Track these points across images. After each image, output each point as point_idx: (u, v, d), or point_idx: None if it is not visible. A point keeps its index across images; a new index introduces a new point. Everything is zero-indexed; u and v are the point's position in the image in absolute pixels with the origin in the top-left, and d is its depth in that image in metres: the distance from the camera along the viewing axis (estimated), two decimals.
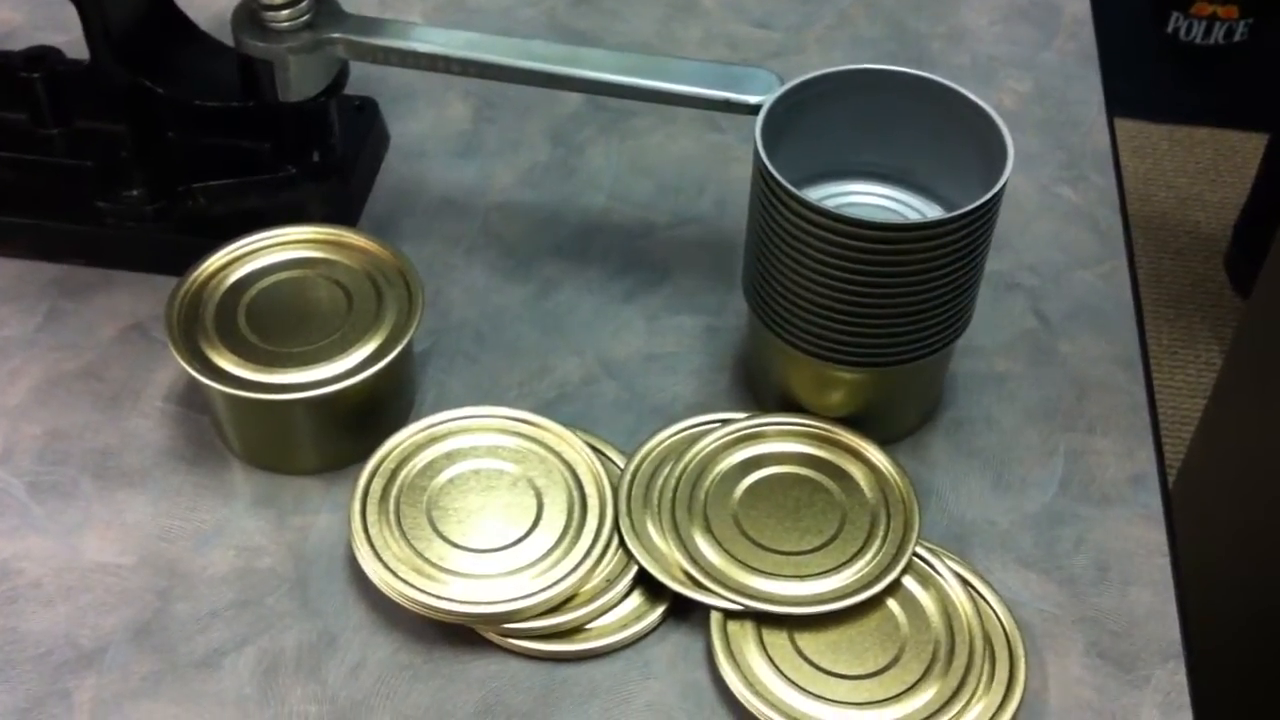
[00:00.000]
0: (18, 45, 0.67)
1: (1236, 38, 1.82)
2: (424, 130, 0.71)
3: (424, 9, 0.79)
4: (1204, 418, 1.13)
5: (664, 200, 0.68)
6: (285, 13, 0.59)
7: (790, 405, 0.57)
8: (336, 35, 0.60)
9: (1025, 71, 0.76)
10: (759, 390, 0.59)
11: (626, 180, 0.69)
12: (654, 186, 0.69)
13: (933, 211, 0.57)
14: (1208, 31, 1.82)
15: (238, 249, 0.57)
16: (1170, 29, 1.83)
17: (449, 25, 0.78)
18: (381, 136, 0.69)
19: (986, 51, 0.77)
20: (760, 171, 0.52)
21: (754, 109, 0.56)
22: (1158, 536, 0.55)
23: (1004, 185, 0.51)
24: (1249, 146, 1.74)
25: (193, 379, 0.53)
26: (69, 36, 0.64)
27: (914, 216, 0.56)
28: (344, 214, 0.65)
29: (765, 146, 0.52)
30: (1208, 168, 1.79)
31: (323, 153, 0.64)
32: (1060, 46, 0.78)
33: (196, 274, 0.56)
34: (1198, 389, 1.49)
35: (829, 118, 0.56)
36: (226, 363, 0.54)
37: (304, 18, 0.59)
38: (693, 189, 0.69)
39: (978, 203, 0.50)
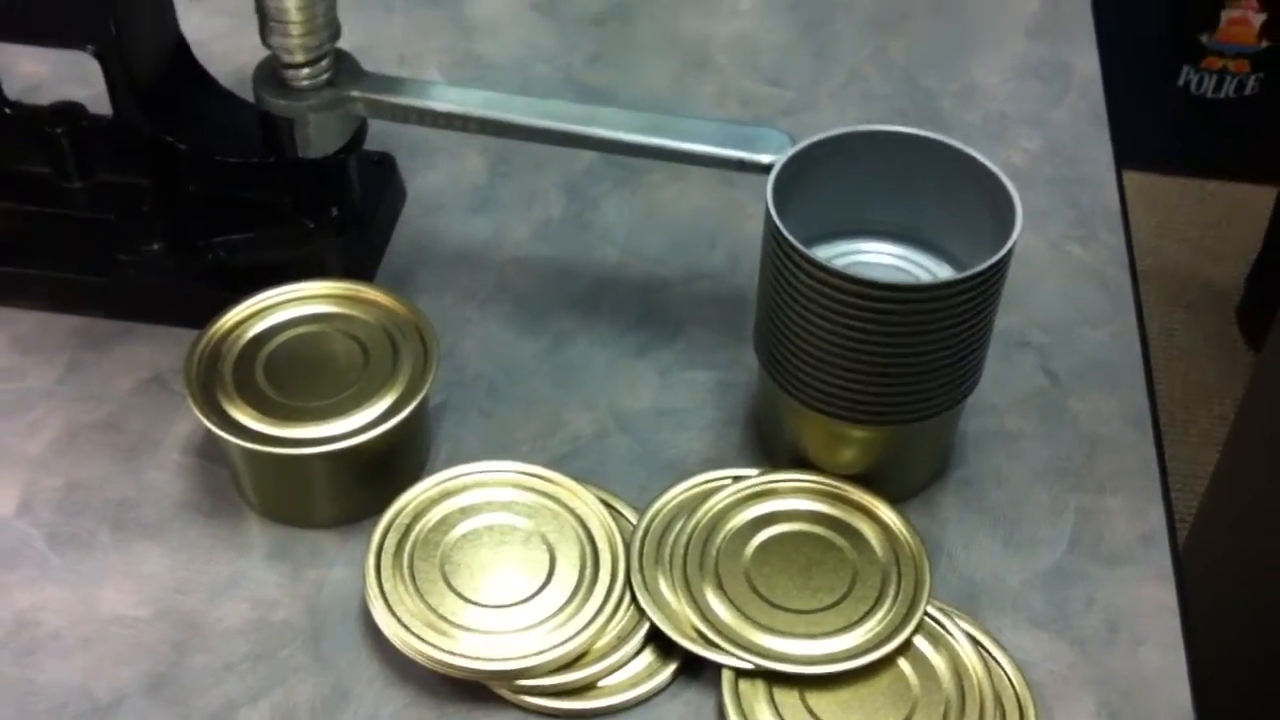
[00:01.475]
0: (43, 98, 0.68)
1: (1248, 91, 1.83)
2: (440, 184, 0.72)
3: (440, 64, 0.80)
4: (1216, 471, 1.13)
5: (676, 255, 0.69)
6: (306, 71, 0.60)
7: (801, 461, 0.57)
8: (356, 93, 0.61)
9: (1036, 129, 0.77)
10: (770, 446, 0.59)
11: (639, 234, 0.70)
12: (667, 241, 0.70)
13: (943, 270, 0.57)
14: (1219, 85, 1.83)
15: (256, 303, 0.58)
16: (1181, 82, 1.84)
17: (466, 81, 0.80)
18: (399, 191, 0.70)
19: (997, 109, 0.78)
20: (771, 231, 0.53)
21: (766, 169, 0.57)
22: (1168, 596, 0.55)
23: (1012, 247, 0.51)
24: (1260, 199, 1.75)
25: (210, 431, 0.54)
26: (91, 90, 0.65)
27: (924, 275, 0.57)
28: (362, 268, 0.66)
29: (776, 205, 0.53)
30: (1219, 220, 1.79)
31: (341, 207, 0.65)
32: (1071, 104, 0.78)
33: (216, 328, 0.57)
34: (1210, 440, 1.49)
35: (840, 176, 0.57)
36: (244, 416, 0.54)
37: (324, 76, 0.60)
38: (705, 244, 0.70)
39: (986, 265, 0.50)
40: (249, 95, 0.64)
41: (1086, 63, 0.81)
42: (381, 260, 0.68)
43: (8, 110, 0.64)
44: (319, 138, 0.62)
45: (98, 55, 0.61)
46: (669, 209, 0.71)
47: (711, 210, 0.71)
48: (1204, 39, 1.79)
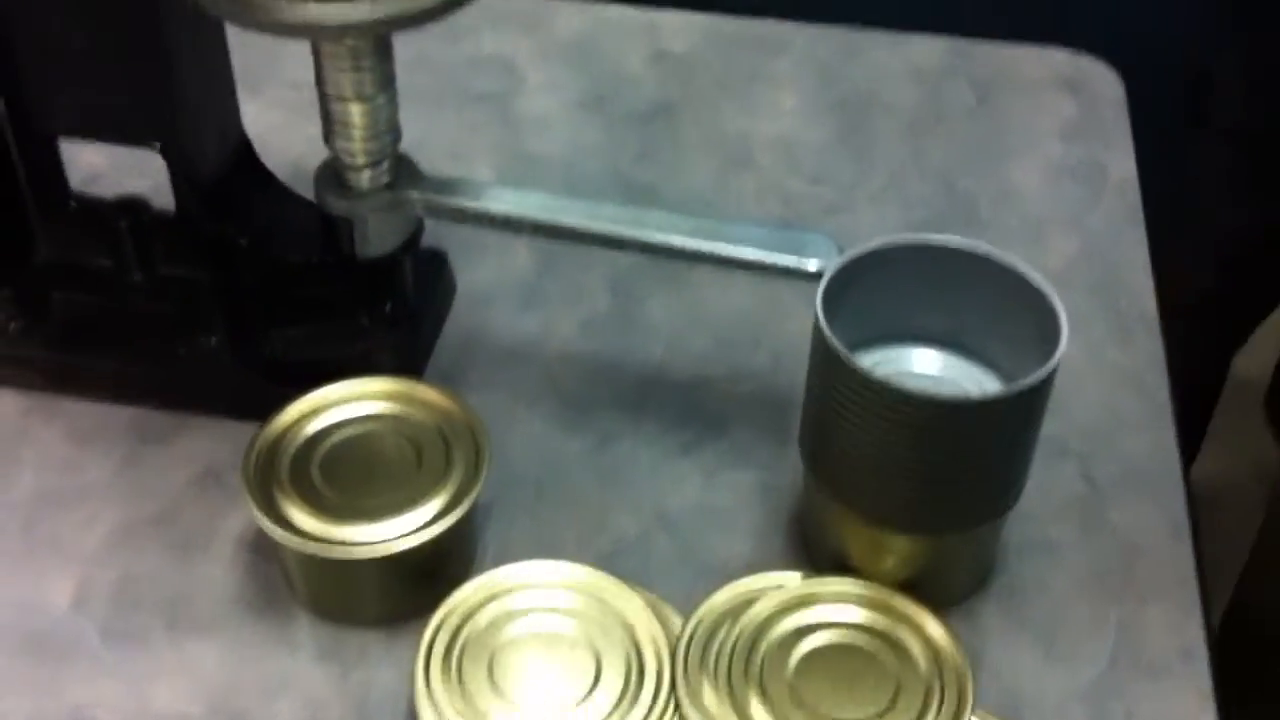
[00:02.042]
0: (102, 189, 0.69)
1: None
2: (489, 279, 0.74)
3: (491, 160, 0.82)
4: (1249, 561, 1.13)
5: (720, 354, 0.70)
6: (367, 174, 0.61)
7: (844, 566, 0.58)
8: (415, 195, 0.62)
9: (1073, 232, 0.78)
10: (814, 550, 0.60)
11: (683, 333, 0.71)
12: (710, 340, 0.71)
13: (989, 379, 0.58)
14: None
15: (314, 401, 0.59)
16: None
17: (516, 178, 0.82)
18: (449, 286, 0.72)
19: (1034, 212, 0.79)
20: (820, 340, 0.54)
21: (814, 277, 0.58)
22: (1208, 713, 0.55)
23: (1058, 363, 0.52)
24: None
25: (264, 530, 0.55)
26: (150, 181, 0.66)
27: (970, 385, 0.58)
28: (413, 363, 0.67)
29: (825, 313, 0.54)
30: None
31: (395, 303, 0.66)
32: (1108, 206, 0.80)
33: (273, 425, 0.58)
34: (1248, 526, 1.48)
35: (886, 283, 0.58)
36: (298, 514, 0.55)
37: (384, 178, 0.62)
38: (748, 343, 0.71)
39: (1031, 382, 0.51)
40: (305, 188, 0.66)
41: (1123, 165, 0.83)
42: (432, 355, 0.69)
43: (73, 203, 0.66)
44: (378, 238, 0.63)
45: (163, 153, 0.62)
46: (712, 307, 0.73)
47: (754, 309, 0.73)
48: None
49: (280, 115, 0.81)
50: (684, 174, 0.82)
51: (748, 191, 0.80)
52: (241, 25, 0.53)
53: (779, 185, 0.81)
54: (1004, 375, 0.58)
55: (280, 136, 0.77)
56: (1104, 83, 0.89)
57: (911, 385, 0.52)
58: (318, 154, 0.75)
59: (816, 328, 0.54)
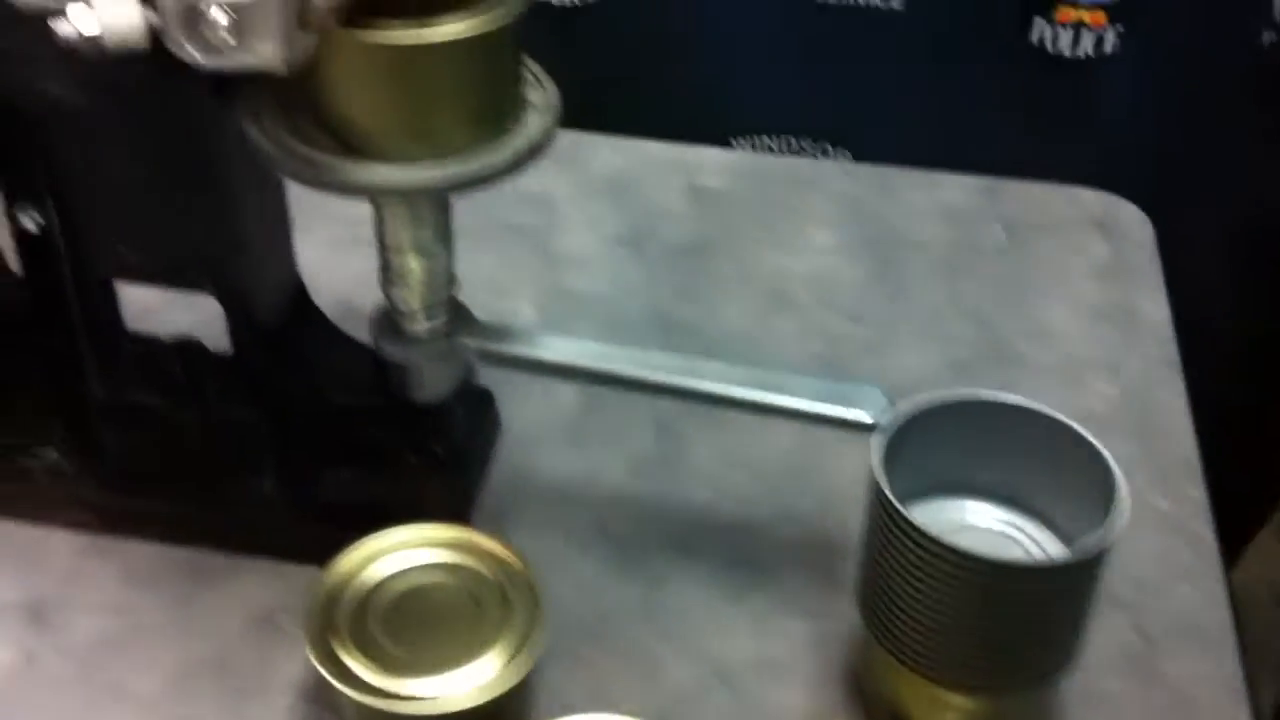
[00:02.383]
0: (153, 325, 0.70)
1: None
2: (534, 417, 0.74)
3: (531, 294, 0.83)
4: None
5: (766, 496, 0.71)
6: (423, 322, 0.62)
7: None
8: (469, 342, 0.63)
9: (1111, 374, 0.79)
10: (870, 704, 0.60)
11: (728, 474, 0.72)
12: (755, 482, 0.71)
13: (1045, 534, 0.59)
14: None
15: (372, 549, 0.60)
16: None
17: (556, 311, 0.83)
18: (495, 424, 0.72)
19: (1072, 352, 0.80)
20: (878, 497, 0.54)
21: (868, 429, 0.58)
22: None
23: (1119, 530, 0.53)
24: None
25: (323, 679, 0.55)
26: (197, 316, 0.67)
27: (1026, 541, 0.58)
28: (462, 504, 0.68)
29: (883, 469, 0.55)
30: None
31: (444, 445, 0.67)
32: (1143, 350, 0.81)
33: (332, 574, 0.58)
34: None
35: (939, 437, 0.58)
36: (357, 665, 0.55)
37: (440, 326, 0.63)
38: (793, 486, 0.71)
39: (1096, 547, 0.52)
40: (352, 324, 0.67)
41: (1156, 308, 0.84)
42: (480, 495, 0.70)
43: (129, 344, 0.67)
44: (432, 383, 0.64)
45: (221, 298, 0.63)
46: (756, 448, 0.73)
47: (798, 450, 0.73)
48: None
49: (326, 251, 0.82)
50: (724, 311, 0.83)
51: (788, 330, 0.81)
52: (309, 186, 0.54)
53: (819, 324, 0.82)
54: (1059, 530, 0.58)
55: (327, 272, 0.77)
56: (1134, 224, 0.90)
57: (977, 548, 0.52)
58: (364, 290, 0.76)
59: (874, 486, 0.55)
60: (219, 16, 0.44)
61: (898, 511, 0.53)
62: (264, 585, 0.64)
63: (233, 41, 0.44)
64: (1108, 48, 1.54)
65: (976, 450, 0.59)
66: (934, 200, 0.92)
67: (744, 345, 0.80)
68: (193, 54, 0.45)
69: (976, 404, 0.57)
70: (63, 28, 0.44)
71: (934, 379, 0.78)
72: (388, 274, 0.61)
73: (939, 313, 0.83)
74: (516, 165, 0.54)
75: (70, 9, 0.44)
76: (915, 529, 0.53)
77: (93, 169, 0.60)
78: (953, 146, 1.80)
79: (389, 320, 0.63)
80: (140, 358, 0.67)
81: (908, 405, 0.57)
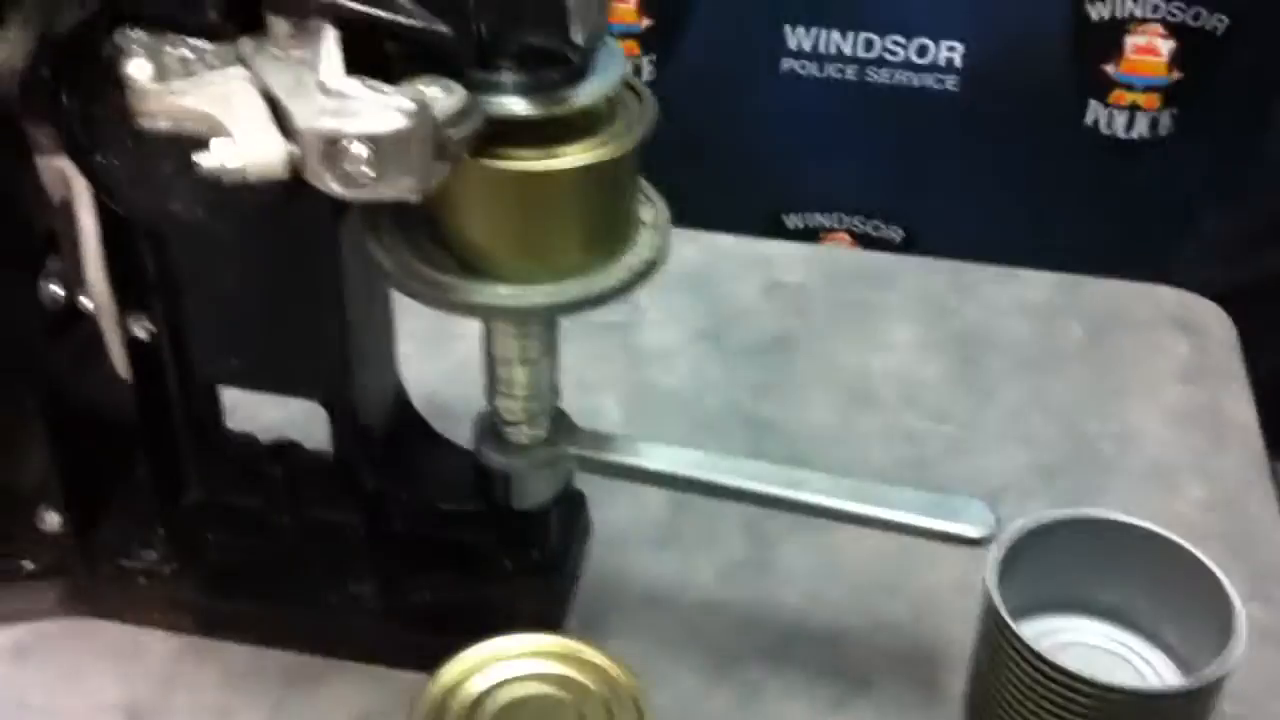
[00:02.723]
0: (240, 421, 0.71)
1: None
2: (624, 518, 0.74)
3: (615, 390, 0.83)
4: None
5: (859, 602, 0.70)
6: (526, 430, 0.63)
7: None
8: (572, 450, 0.64)
9: (1199, 478, 0.78)
10: None
11: (820, 580, 0.72)
12: (848, 588, 0.71)
13: (1155, 655, 0.58)
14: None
15: (478, 657, 0.59)
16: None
17: (639, 408, 0.83)
18: (586, 527, 0.73)
19: (1158, 456, 0.80)
20: (991, 615, 0.54)
21: (974, 543, 0.58)
22: None
23: (1236, 659, 0.52)
24: None
25: None
26: (286, 412, 0.68)
27: (1138, 661, 0.58)
28: (558, 611, 0.68)
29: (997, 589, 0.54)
30: None
31: (541, 550, 0.67)
32: (1231, 453, 0.80)
33: (437, 685, 0.58)
34: None
35: (1049, 554, 0.59)
36: None
37: (542, 434, 0.63)
38: (886, 592, 0.71)
39: (1214, 674, 0.51)
40: (439, 422, 0.67)
41: (1242, 410, 0.83)
42: (573, 601, 0.70)
43: (229, 445, 0.67)
44: (534, 491, 0.64)
45: (326, 405, 0.64)
46: (848, 552, 0.73)
47: (889, 553, 0.73)
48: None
49: (410, 347, 0.83)
50: (806, 409, 0.83)
51: (872, 429, 0.81)
52: (429, 305, 0.54)
53: (902, 423, 0.82)
54: (1171, 651, 0.58)
55: (413, 370, 0.78)
56: (1214, 322, 0.90)
57: (1094, 674, 0.52)
58: (451, 387, 0.76)
59: (987, 602, 0.54)
60: (360, 150, 0.45)
61: (1010, 629, 0.53)
62: (360, 689, 0.64)
63: (372, 174, 0.45)
64: (1162, 130, 1.55)
65: (1087, 567, 0.59)
66: (1012, 296, 0.92)
67: (828, 445, 0.80)
68: (332, 186, 0.46)
69: (1089, 521, 0.57)
70: (206, 160, 0.45)
71: (1022, 483, 0.78)
72: (494, 384, 0.62)
73: (1022, 413, 0.83)
74: (632, 285, 0.55)
75: (214, 142, 0.45)
76: (1029, 649, 0.52)
77: (207, 280, 0.61)
78: (1007, 225, 1.81)
79: (492, 428, 0.63)
80: (240, 459, 0.68)
81: (1023, 523, 0.57)
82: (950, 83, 1.77)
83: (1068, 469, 0.79)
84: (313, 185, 0.46)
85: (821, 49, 1.77)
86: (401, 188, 0.46)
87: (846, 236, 1.96)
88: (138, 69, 0.47)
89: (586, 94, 0.50)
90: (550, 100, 0.50)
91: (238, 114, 0.46)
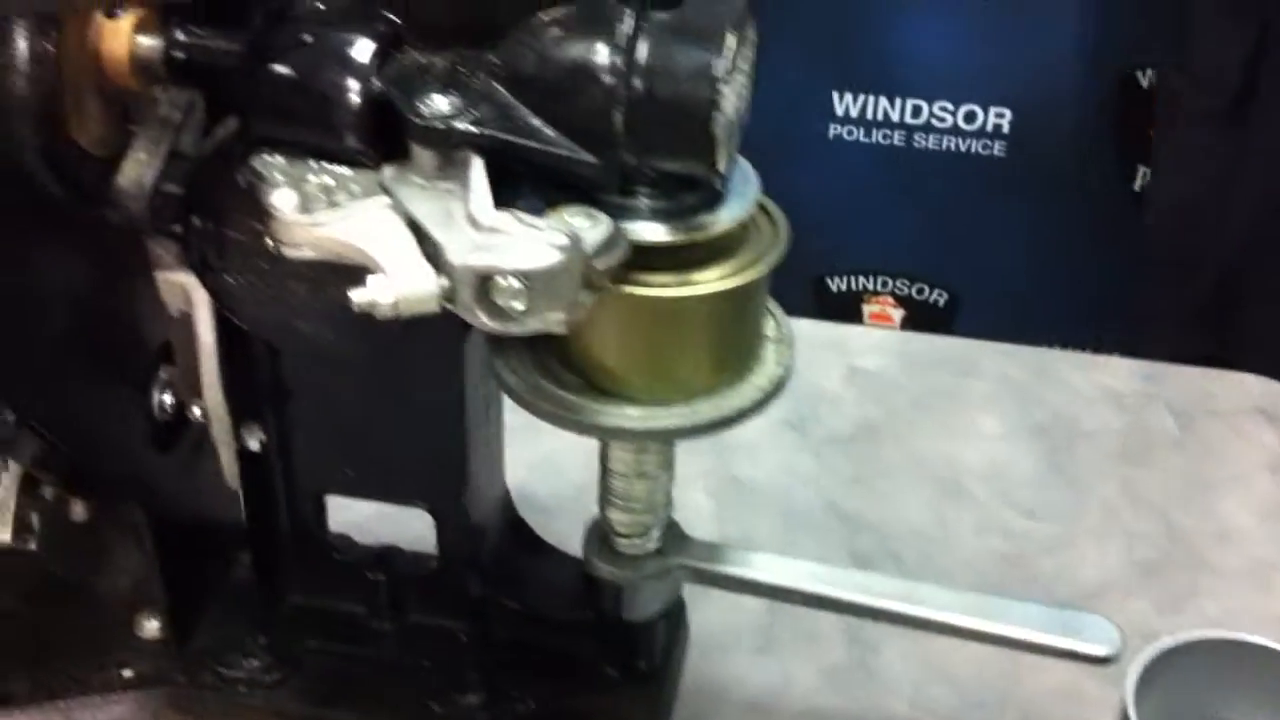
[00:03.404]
0: (339, 526, 0.70)
1: None
2: (721, 621, 0.73)
3: (704, 484, 0.82)
4: None
5: (966, 711, 0.69)
6: (639, 542, 0.62)
7: None
8: (684, 562, 0.63)
9: None
10: None
11: (925, 687, 0.71)
12: (955, 696, 0.70)
13: None
14: None
15: None
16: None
17: (729, 502, 0.82)
18: (686, 632, 0.72)
19: (1257, 553, 0.79)
20: None
21: (1101, 661, 0.57)
22: None
23: None
24: None
25: None
26: (373, 509, 0.67)
27: None
28: (660, 717, 0.67)
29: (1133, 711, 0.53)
30: None
31: (647, 659, 0.66)
32: None
33: None
34: None
35: (1182, 674, 0.57)
36: None
37: (654, 545, 0.62)
38: (995, 702, 0.70)
39: None
40: (529, 515, 0.66)
41: None
42: (673, 709, 0.69)
43: (336, 555, 0.67)
44: (645, 602, 0.63)
45: (434, 512, 0.63)
46: (952, 657, 0.72)
47: (994, 661, 0.72)
48: None
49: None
50: (896, 503, 0.82)
51: (965, 525, 0.80)
52: (557, 425, 0.54)
53: (996, 518, 0.81)
54: None
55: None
56: None
57: None
58: (540, 480, 0.76)
59: None
60: (513, 285, 0.44)
61: None
62: None
63: (522, 308, 0.45)
64: None
65: (1221, 686, 0.58)
66: (1095, 384, 0.91)
67: (921, 542, 0.79)
68: (482, 320, 0.45)
69: (1226, 644, 0.56)
70: (359, 295, 0.44)
71: (1121, 582, 0.77)
72: (608, 495, 0.61)
73: (1116, 508, 0.82)
74: (764, 405, 0.54)
75: (370, 279, 0.44)
76: None
77: (322, 392, 0.60)
78: (1052, 288, 1.81)
79: (603, 538, 0.63)
80: (342, 565, 0.67)
81: (1159, 645, 0.56)
82: (997, 148, 1.78)
83: (1165, 567, 0.78)
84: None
85: (869, 115, 1.77)
86: (550, 321, 0.46)
87: (890, 299, 1.96)
88: (282, 200, 0.47)
89: (726, 218, 0.50)
90: (689, 226, 0.49)
91: (387, 247, 0.46)
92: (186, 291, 0.57)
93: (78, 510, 0.66)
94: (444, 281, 0.45)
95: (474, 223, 0.45)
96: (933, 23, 1.69)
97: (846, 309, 1.67)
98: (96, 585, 0.70)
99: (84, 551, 0.69)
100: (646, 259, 0.50)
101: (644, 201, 0.50)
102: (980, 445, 0.86)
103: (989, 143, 1.81)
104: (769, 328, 0.57)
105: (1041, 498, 0.82)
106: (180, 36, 0.51)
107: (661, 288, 0.50)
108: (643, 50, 0.46)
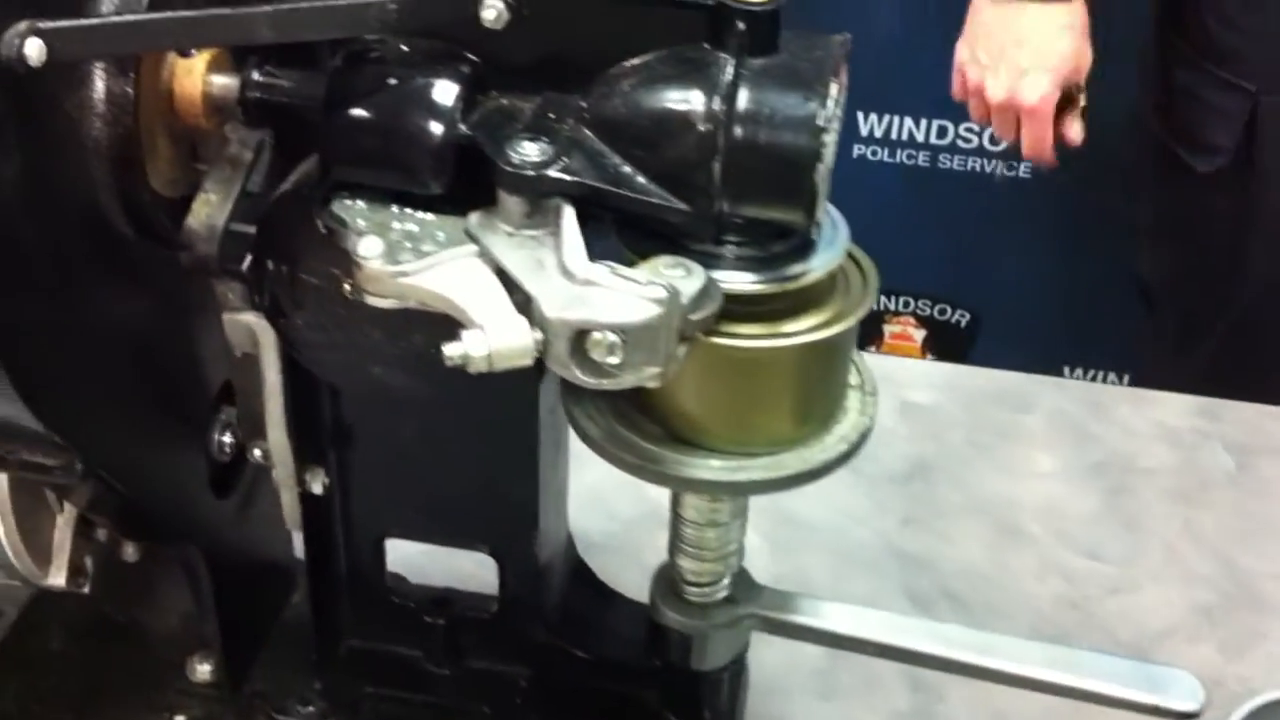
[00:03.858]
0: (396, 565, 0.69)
1: None
2: (780, 663, 0.72)
3: (760, 524, 0.80)
4: None
5: None
6: (709, 591, 0.60)
7: None
8: (755, 611, 0.61)
9: None
10: None
11: None
12: None
13: None
14: None
15: None
16: None
17: (785, 542, 0.81)
18: (748, 677, 0.70)
19: None
20: None
21: (1186, 716, 0.56)
22: None
23: None
24: None
25: None
26: (423, 548, 0.66)
27: None
28: None
29: None
30: None
31: (711, 709, 0.65)
32: None
33: None
34: None
35: None
36: None
37: (725, 594, 0.61)
38: None
39: None
40: (591, 564, 0.65)
41: None
42: None
43: (394, 598, 0.65)
44: (714, 652, 0.62)
45: (497, 555, 0.62)
46: (1017, 704, 0.70)
47: (1060, 709, 0.70)
48: None
49: None
50: (955, 544, 0.81)
51: (1025, 567, 0.79)
52: (635, 474, 0.52)
53: (1056, 560, 0.80)
54: None
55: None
56: None
57: None
58: (586, 516, 0.74)
59: None
60: (609, 339, 0.43)
61: None
62: None
63: (618, 362, 0.43)
64: None
65: None
66: (1150, 421, 0.90)
67: (980, 583, 0.78)
68: (576, 375, 0.44)
69: None
70: (451, 349, 0.43)
71: (1185, 627, 0.76)
72: (678, 542, 0.59)
73: (1177, 549, 0.80)
74: (849, 456, 0.53)
75: (465, 334, 0.43)
76: None
77: (388, 436, 0.59)
78: (1076, 310, 1.79)
79: (672, 585, 0.61)
80: (400, 608, 0.66)
81: (1254, 703, 0.55)
82: (1022, 169, 1.77)
83: (1229, 610, 0.77)
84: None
85: (894, 135, 1.77)
86: (645, 375, 0.44)
87: (912, 320, 1.95)
88: (368, 247, 0.45)
89: (819, 267, 0.48)
90: (781, 276, 0.48)
91: (478, 299, 0.44)
92: (253, 332, 0.56)
93: (128, 550, 0.65)
94: (538, 335, 0.44)
95: (568, 274, 0.44)
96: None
97: (868, 329, 1.66)
98: (147, 626, 0.68)
99: (134, 591, 0.68)
100: (732, 308, 0.48)
101: (730, 249, 0.48)
102: (1036, 483, 0.85)
103: (1013, 164, 1.81)
104: (851, 374, 0.56)
105: (1100, 538, 0.81)
106: (256, 76, 0.50)
107: (751, 339, 0.49)
108: (743, 97, 0.45)
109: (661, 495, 0.57)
